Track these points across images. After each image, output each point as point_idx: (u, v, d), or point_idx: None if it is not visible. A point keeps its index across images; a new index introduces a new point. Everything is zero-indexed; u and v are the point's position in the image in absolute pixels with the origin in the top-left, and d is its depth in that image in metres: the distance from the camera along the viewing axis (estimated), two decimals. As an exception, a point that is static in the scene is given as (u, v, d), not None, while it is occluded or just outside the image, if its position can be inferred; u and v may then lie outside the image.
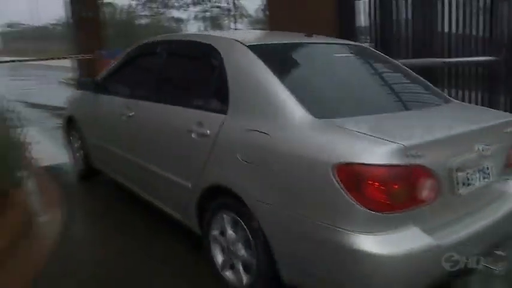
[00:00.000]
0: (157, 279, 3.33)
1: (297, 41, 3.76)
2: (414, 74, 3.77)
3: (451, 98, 3.68)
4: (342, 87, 3.26)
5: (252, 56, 3.10)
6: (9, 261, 3.54)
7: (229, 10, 71.74)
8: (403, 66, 3.85)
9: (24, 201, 4.51)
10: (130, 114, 4.12)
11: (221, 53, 3.29)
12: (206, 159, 3.12)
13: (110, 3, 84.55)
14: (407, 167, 2.28)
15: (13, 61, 19.89)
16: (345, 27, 5.99)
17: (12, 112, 5.84)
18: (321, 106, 2.82)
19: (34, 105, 12.23)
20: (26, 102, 12.94)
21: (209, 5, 77.04)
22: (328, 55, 3.75)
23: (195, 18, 78.72)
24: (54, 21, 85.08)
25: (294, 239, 2.60)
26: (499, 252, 2.73)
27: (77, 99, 5.64)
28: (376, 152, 2.27)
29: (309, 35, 3.77)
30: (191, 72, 3.87)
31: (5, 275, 3.36)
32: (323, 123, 2.60)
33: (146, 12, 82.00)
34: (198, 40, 3.79)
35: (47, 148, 6.95)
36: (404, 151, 2.26)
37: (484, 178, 2.76)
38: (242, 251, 2.93)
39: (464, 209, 2.68)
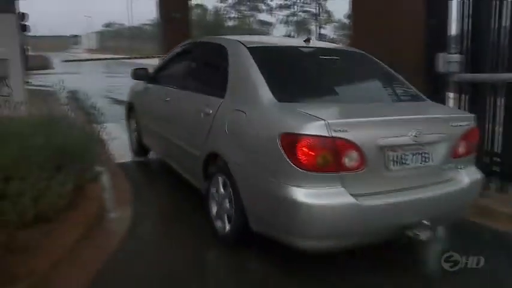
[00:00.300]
0: None
1: (291, 45, 5.03)
2: (400, 78, 4.43)
3: (426, 98, 4.25)
4: (313, 81, 4.13)
5: (247, 55, 4.02)
6: (79, 252, 3.62)
7: (316, 15, 71.16)
8: (392, 72, 4.51)
9: (98, 196, 4.61)
10: (167, 99, 5.23)
11: (228, 52, 4.29)
12: (207, 132, 4.09)
13: (199, 5, 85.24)
14: (330, 138, 3.01)
15: (106, 59, 20.87)
16: (433, 35, 5.53)
17: (96, 109, 6.11)
18: (286, 94, 3.66)
19: (119, 102, 12.70)
20: (112, 99, 13.48)
21: (296, 9, 76.81)
22: (314, 57, 4.54)
23: (282, 22, 79.09)
24: (147, 22, 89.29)
25: (255, 194, 3.45)
26: (425, 223, 3.26)
27: (135, 88, 6.73)
28: (306, 126, 3.05)
29: (307, 40, 4.71)
30: (207, 65, 4.98)
31: (73, 267, 3.43)
32: (282, 105, 3.47)
33: (234, 15, 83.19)
34: (215, 41, 4.84)
35: (125, 145, 7.14)
36: (329, 126, 3.00)
37: (422, 161, 3.42)
38: (227, 206, 3.77)
39: (396, 183, 3.32)
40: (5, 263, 3.14)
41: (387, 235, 3.42)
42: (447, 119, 3.66)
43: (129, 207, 4.71)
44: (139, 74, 6.13)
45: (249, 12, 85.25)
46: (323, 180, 3.10)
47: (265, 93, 3.60)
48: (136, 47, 67.25)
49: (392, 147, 3.28)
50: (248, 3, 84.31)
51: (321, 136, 3.02)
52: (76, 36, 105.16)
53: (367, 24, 6.39)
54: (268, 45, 4.92)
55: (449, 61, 5.09)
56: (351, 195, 3.09)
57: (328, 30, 73.98)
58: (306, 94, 3.86)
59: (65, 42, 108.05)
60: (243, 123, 3.64)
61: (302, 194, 3.04)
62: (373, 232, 3.31)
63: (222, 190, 3.88)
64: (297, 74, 4.10)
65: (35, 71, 24.86)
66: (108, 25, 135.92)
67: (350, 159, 3.11)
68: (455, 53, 5.29)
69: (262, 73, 3.78)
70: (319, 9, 25.68)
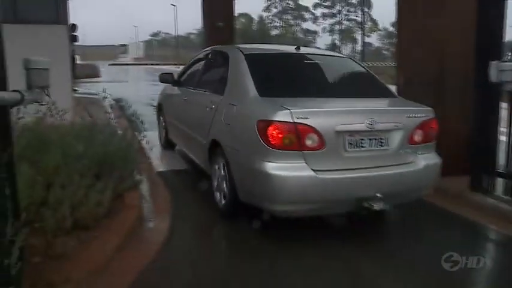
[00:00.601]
0: None
1: (283, 52, 5.83)
2: (376, 78, 5.27)
3: (396, 95, 5.16)
4: (293, 81, 4.92)
5: (242, 60, 4.90)
6: (116, 261, 3.59)
7: (361, 23, 70.49)
8: (370, 73, 5.40)
9: (136, 205, 4.59)
10: (185, 98, 6.26)
11: (229, 57, 5.21)
12: (211, 123, 4.92)
13: (245, 14, 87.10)
14: (292, 123, 3.79)
15: (152, 64, 21.23)
16: (485, 42, 5.21)
17: (137, 117, 6.15)
18: (268, 90, 4.43)
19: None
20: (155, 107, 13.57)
21: (341, 18, 76.33)
22: (299, 61, 5.33)
23: (327, 30, 78.64)
24: (192, 31, 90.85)
25: (242, 170, 4.26)
26: (378, 196, 3.91)
27: (164, 91, 7.83)
28: (274, 114, 3.84)
29: (298, 48, 5.47)
30: (214, 69, 5.89)
31: (109, 276, 3.40)
32: (263, 99, 4.31)
33: (279, 24, 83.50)
34: (221, 49, 5.84)
35: (164, 153, 7.15)
36: (292, 114, 3.79)
37: (379, 145, 4.13)
38: (224, 185, 4.58)
39: (353, 162, 4.03)
40: (41, 269, 3.14)
41: (347, 206, 4.05)
42: (403, 111, 4.42)
43: (167, 216, 4.65)
44: (165, 78, 7.05)
45: (293, 21, 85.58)
46: (289, 156, 3.89)
47: (252, 90, 4.48)
48: (182, 56, 68.49)
49: (350, 133, 4.03)
50: (293, 12, 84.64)
51: (285, 122, 3.83)
52: (124, 45, 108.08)
53: (415, 34, 6.15)
54: (262, 52, 5.91)
55: (502, 70, 4.77)
56: (312, 169, 3.85)
57: (373, 39, 73.18)
58: (285, 91, 4.62)
59: (113, 51, 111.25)
60: (234, 114, 4.54)
61: (272, 168, 3.86)
62: (331, 201, 4.02)
63: (221, 171, 4.67)
64: (280, 75, 4.98)
65: (83, 79, 25.62)
66: (155, 34, 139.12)
67: (311, 140, 3.88)
68: (510, 61, 4.97)
69: (252, 74, 4.64)
70: (364, 17, 25.32)
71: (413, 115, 4.33)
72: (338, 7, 79.51)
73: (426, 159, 4.34)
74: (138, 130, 6.05)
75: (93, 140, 4.74)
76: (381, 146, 4.16)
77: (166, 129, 7.37)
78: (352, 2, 78.33)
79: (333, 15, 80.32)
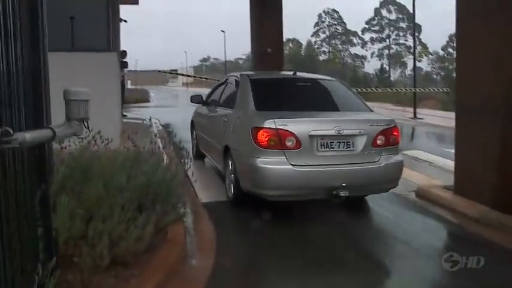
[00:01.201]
0: None
1: (280, 77, 7.82)
2: (356, 97, 6.55)
3: (372, 110, 6.18)
4: (284, 98, 6.20)
5: (248, 83, 6.24)
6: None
7: (410, 48, 69.06)
8: (352, 93, 6.71)
9: (180, 240, 4.37)
10: (209, 114, 7.67)
11: (240, 82, 6.57)
12: (224, 133, 6.24)
13: (293, 40, 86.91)
14: (275, 129, 5.08)
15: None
16: None
17: (183, 146, 6.00)
18: (263, 105, 5.74)
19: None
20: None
21: (390, 42, 75.23)
22: (292, 84, 6.74)
23: (375, 55, 77.70)
24: (241, 56, 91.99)
25: (242, 166, 5.49)
26: (344, 185, 5.09)
27: (196, 110, 9.04)
28: (262, 122, 5.15)
29: (294, 73, 7.07)
30: (229, 90, 7.13)
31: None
32: (258, 112, 5.59)
33: (327, 49, 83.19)
34: (235, 75, 7.26)
35: (211, 184, 6.96)
36: (275, 122, 5.09)
37: (346, 147, 5.33)
38: (232, 178, 5.78)
39: (324, 160, 5.25)
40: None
41: (320, 193, 5.28)
42: (366, 121, 5.62)
43: (211, 253, 4.38)
44: (195, 99, 8.31)
45: (341, 46, 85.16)
46: (273, 154, 5.17)
47: (251, 105, 5.86)
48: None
49: (321, 137, 5.27)
50: (341, 37, 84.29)
51: (270, 128, 5.15)
52: (174, 70, 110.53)
53: (477, 58, 5.75)
54: (264, 77, 7.42)
55: None
56: (291, 164, 5.13)
57: (422, 63, 71.74)
58: (276, 106, 5.88)
59: (164, 76, 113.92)
60: (238, 124, 5.91)
61: (261, 162, 5.16)
62: (306, 188, 5.31)
63: (230, 169, 5.90)
64: (275, 94, 6.29)
65: (132, 104, 26.10)
66: (204, 60, 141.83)
67: (289, 142, 5.14)
68: None
69: (253, 93, 6.02)
70: (414, 42, 24.63)
71: (375, 124, 5.56)
72: (387, 31, 78.59)
73: (388, 159, 5.52)
74: (184, 159, 6.15)
75: (137, 170, 4.58)
76: (348, 147, 5.39)
77: (197, 142, 8.66)
78: (401, 26, 77.29)
79: (382, 40, 79.40)
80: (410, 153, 10.01)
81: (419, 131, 15.81)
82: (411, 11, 25.23)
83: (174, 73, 38.62)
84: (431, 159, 9.38)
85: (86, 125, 2.72)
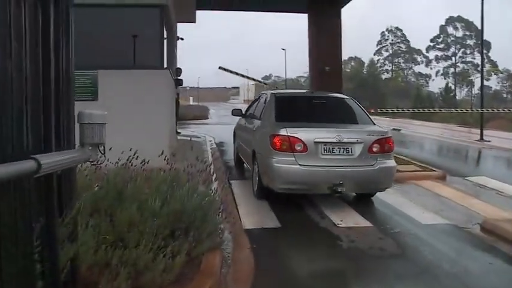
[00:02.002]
0: None
1: (300, 94, 9.73)
2: (362, 111, 7.66)
3: (374, 123, 7.39)
4: (299, 112, 7.46)
5: (273, 99, 7.56)
6: None
7: (478, 65, 66.27)
8: (359, 108, 7.76)
9: (214, 271, 4.04)
10: (245, 125, 8.93)
11: (267, 97, 7.92)
12: (252, 139, 7.66)
13: (355, 58, 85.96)
14: (287, 136, 6.39)
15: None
16: None
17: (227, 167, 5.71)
18: (281, 117, 7.03)
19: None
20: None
21: (456, 60, 72.57)
22: (309, 100, 8.08)
23: (440, 73, 75.22)
24: (302, 74, 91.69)
25: (262, 165, 6.80)
26: (341, 182, 6.24)
27: (238, 121, 10.26)
28: (277, 131, 6.51)
29: (312, 91, 10.65)
30: (260, 105, 8.40)
31: None
32: (277, 123, 6.88)
33: (390, 67, 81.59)
34: (265, 93, 8.73)
35: (258, 208, 6.63)
36: (287, 131, 6.43)
37: (346, 153, 6.48)
38: (256, 176, 7.11)
39: (326, 162, 6.42)
40: None
41: (322, 188, 6.41)
42: (363, 131, 6.78)
43: (247, 286, 4.04)
44: (236, 112, 10.03)
45: (404, 65, 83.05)
46: (285, 156, 6.37)
47: (272, 117, 7.17)
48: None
49: (324, 143, 6.41)
50: (404, 55, 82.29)
51: (283, 135, 6.41)
52: (236, 88, 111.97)
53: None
54: (286, 94, 9.27)
55: None
56: (299, 164, 6.34)
57: (491, 82, 68.61)
58: (292, 118, 7.11)
59: (225, 93, 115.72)
60: (261, 132, 7.24)
61: (275, 162, 6.38)
62: (311, 184, 6.46)
63: (255, 168, 7.20)
64: (292, 108, 7.58)
65: (190, 120, 26.34)
66: (266, 78, 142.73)
67: (298, 146, 6.36)
68: None
69: (275, 108, 7.32)
70: (482, 59, 23.40)
71: (372, 134, 6.73)
72: (453, 49, 75.92)
73: (383, 164, 6.61)
74: (229, 180, 7.16)
75: (173, 194, 4.33)
76: (347, 152, 6.53)
77: (237, 149, 9.96)
78: (469, 43, 74.48)
79: (447, 58, 76.75)
80: (476, 179, 9.24)
81: (485, 155, 14.72)
82: (479, 27, 24.06)
83: (262, 82, 38.14)
84: (499, 187, 8.49)
85: (101, 150, 2.47)
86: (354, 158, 6.46)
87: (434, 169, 9.83)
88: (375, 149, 6.53)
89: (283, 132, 6.43)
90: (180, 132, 15.03)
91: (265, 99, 8.02)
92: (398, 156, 11.56)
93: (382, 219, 6.19)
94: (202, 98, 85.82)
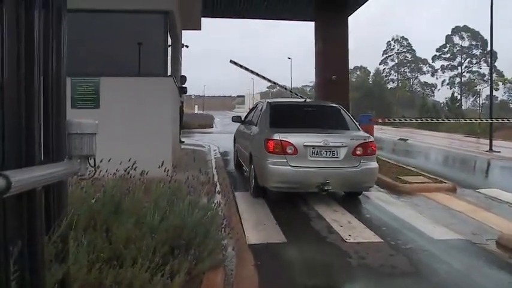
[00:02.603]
0: None
1: (293, 102, 10.02)
2: (349, 119, 8.46)
3: (359, 129, 8.25)
4: (291, 119, 8.19)
5: (268, 106, 8.41)
6: None
7: (484, 75, 66.07)
8: (346, 116, 8.57)
9: (216, 290, 3.79)
10: (243, 130, 9.68)
11: (263, 105, 8.75)
12: (250, 143, 8.50)
13: (361, 67, 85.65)
14: (279, 140, 7.16)
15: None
16: None
17: (232, 177, 5.47)
18: (275, 124, 7.79)
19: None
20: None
21: (462, 70, 72.25)
22: (301, 108, 8.91)
23: (446, 83, 74.79)
24: (308, 83, 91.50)
25: (258, 167, 7.60)
26: (327, 181, 6.97)
27: (237, 127, 11.04)
28: (271, 135, 7.32)
29: (305, 100, 10.21)
30: (256, 112, 9.25)
31: None
32: (271, 129, 7.64)
33: (395, 77, 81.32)
34: (261, 101, 9.67)
35: (264, 221, 6.36)
36: (279, 136, 7.24)
37: (332, 155, 7.20)
38: (253, 176, 7.88)
39: (315, 163, 7.12)
40: None
41: (311, 187, 7.13)
42: (347, 136, 7.55)
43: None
44: (235, 119, 10.97)
45: (410, 74, 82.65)
46: (278, 158, 7.09)
47: (267, 123, 7.90)
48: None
49: (312, 146, 7.13)
50: (410, 64, 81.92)
51: (275, 139, 7.11)
52: (241, 96, 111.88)
53: None
54: (280, 102, 9.61)
55: None
56: (290, 165, 7.05)
57: (498, 92, 68.07)
58: (284, 125, 7.78)
59: (230, 101, 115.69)
60: (258, 136, 7.93)
61: (269, 163, 7.10)
62: (300, 183, 7.17)
63: (252, 169, 7.93)
64: (285, 116, 8.29)
65: (196, 130, 26.14)
66: (271, 86, 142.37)
67: (289, 149, 7.06)
68: None
69: (270, 115, 8.09)
70: (491, 68, 23.13)
71: (355, 139, 7.47)
72: (459, 59, 75.55)
73: (365, 165, 7.35)
74: (232, 191, 7.27)
75: (172, 209, 4.10)
76: (333, 155, 7.25)
77: (237, 152, 10.83)
78: (475, 53, 74.12)
79: (453, 68, 76.38)
80: (488, 191, 8.93)
81: (496, 166, 14.34)
82: (485, 37, 23.78)
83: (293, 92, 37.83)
84: (512, 200, 8.23)
85: (89, 162, 2.25)
86: (339, 160, 7.24)
87: (444, 181, 9.52)
88: (358, 152, 7.32)
89: (276, 136, 7.21)
90: (183, 141, 14.80)
91: (262, 108, 8.83)
92: (405, 166, 11.34)
93: (393, 234, 5.87)
94: (207, 107, 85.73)
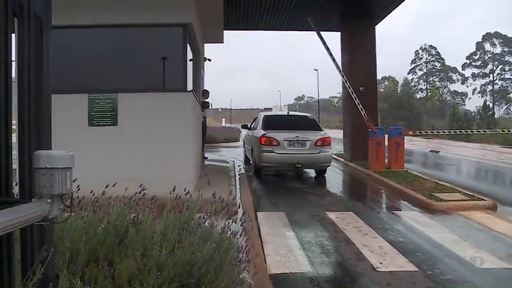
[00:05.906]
0: None
1: (279, 114, 17.30)
2: (316, 123, 14.10)
3: (322, 129, 13.64)
4: (278, 125, 13.32)
5: (262, 117, 14.21)
6: None
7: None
8: (315, 121, 14.26)
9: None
10: (249, 134, 15.04)
11: (260, 116, 14.64)
12: (250, 141, 14.38)
13: (389, 77, 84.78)
14: (268, 137, 12.48)
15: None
16: None
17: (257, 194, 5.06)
18: (266, 128, 13.13)
19: (298, 189, 11.78)
20: (294, 179, 12.90)
21: (494, 77, 70.38)
22: (284, 117, 15.05)
23: (477, 91, 72.85)
24: (335, 95, 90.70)
25: (255, 154, 13.13)
26: (299, 162, 12.15)
27: (246, 133, 16.26)
28: (263, 134, 12.62)
29: (288, 113, 17.03)
30: (256, 121, 14.66)
31: None
32: (263, 131, 12.96)
33: (424, 86, 79.94)
34: (260, 113, 15.39)
35: (288, 247, 5.87)
36: (267, 134, 12.54)
37: (302, 146, 12.38)
38: (253, 161, 13.77)
39: (291, 151, 12.31)
40: None
41: (289, 166, 12.45)
42: (311, 133, 12.64)
43: None
44: (243, 126, 16.31)
45: (439, 83, 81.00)
46: (267, 147, 12.20)
47: (261, 128, 13.09)
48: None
49: (289, 140, 12.26)
50: (439, 73, 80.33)
51: (266, 136, 12.38)
52: (268, 109, 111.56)
53: None
54: (271, 114, 16.46)
55: None
56: (275, 152, 12.17)
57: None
58: (272, 128, 12.80)
59: (258, 114, 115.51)
60: (255, 136, 13.09)
61: (262, 151, 12.25)
62: (282, 164, 12.35)
63: (252, 156, 13.39)
64: (273, 123, 13.33)
65: (222, 143, 25.86)
66: (299, 98, 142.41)
67: (274, 142, 12.20)
68: None
69: (263, 123, 13.37)
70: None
71: (316, 135, 12.49)
72: (490, 66, 73.67)
73: (323, 152, 12.26)
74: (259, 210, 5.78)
75: (181, 242, 3.69)
76: (302, 146, 12.17)
77: (245, 150, 15.72)
78: (507, 60, 72.18)
79: (485, 75, 74.53)
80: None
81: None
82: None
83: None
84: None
85: (65, 203, 1.86)
86: (306, 149, 12.19)
87: (482, 198, 8.82)
88: (318, 143, 12.26)
89: (265, 135, 12.18)
90: (207, 157, 14.48)
91: (259, 118, 14.05)
92: (439, 182, 10.69)
93: (429, 262, 5.29)
94: (235, 119, 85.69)
